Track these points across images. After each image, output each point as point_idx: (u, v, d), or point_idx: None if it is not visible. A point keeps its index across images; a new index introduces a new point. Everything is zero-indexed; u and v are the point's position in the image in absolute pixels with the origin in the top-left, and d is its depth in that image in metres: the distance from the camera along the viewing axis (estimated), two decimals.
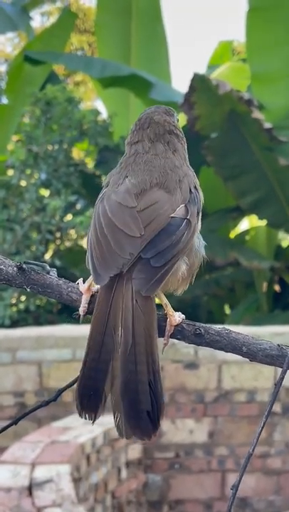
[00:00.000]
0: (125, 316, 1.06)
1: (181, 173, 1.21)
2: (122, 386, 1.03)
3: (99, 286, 1.11)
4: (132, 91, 7.51)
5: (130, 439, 1.05)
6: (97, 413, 1.05)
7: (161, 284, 1.08)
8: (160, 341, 1.10)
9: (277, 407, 4.66)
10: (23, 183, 6.93)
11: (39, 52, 7.75)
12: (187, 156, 1.29)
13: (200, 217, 1.22)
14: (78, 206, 7.59)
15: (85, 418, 1.06)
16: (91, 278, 1.12)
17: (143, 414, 1.03)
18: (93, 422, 1.06)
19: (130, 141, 1.29)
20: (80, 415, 1.06)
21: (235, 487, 0.89)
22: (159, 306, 1.14)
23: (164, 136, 1.27)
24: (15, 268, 1.10)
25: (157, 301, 1.14)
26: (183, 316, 1.13)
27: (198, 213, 1.20)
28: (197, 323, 1.11)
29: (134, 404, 1.03)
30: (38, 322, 6.76)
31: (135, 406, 1.03)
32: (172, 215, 1.13)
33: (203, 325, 1.10)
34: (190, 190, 1.20)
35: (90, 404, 1.05)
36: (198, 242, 1.19)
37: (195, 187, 1.22)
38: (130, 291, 1.07)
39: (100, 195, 1.21)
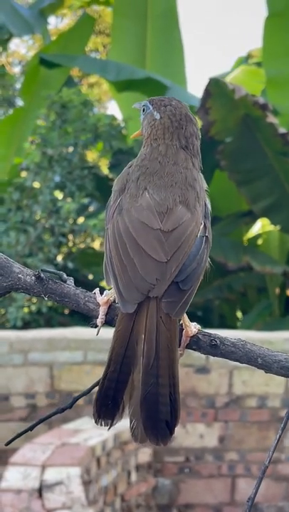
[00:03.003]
0: (149, 330, 1.07)
1: (198, 187, 1.19)
2: (142, 397, 1.06)
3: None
4: (147, 95, 7.52)
5: (144, 443, 1.08)
6: (114, 420, 1.08)
7: (188, 304, 1.09)
8: None
9: None
10: (37, 185, 6.96)
11: (54, 55, 7.77)
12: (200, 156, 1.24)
13: None
14: (91, 209, 7.61)
15: (101, 425, 1.08)
16: (111, 292, 1.13)
17: (162, 423, 1.06)
18: (109, 429, 1.09)
19: (152, 136, 1.22)
20: (96, 422, 1.09)
21: (251, 500, 0.89)
22: None
23: (191, 139, 1.22)
24: (33, 277, 1.11)
25: None
26: (199, 326, 1.14)
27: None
28: (213, 334, 1.12)
29: (154, 414, 1.06)
30: (50, 324, 6.78)
31: (154, 416, 1.06)
32: (199, 234, 1.14)
33: (219, 336, 1.11)
34: (205, 203, 1.19)
35: (107, 413, 1.08)
36: None
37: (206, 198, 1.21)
38: (155, 306, 1.08)
39: (116, 203, 1.17)
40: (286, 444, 4.69)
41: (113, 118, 7.23)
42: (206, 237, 1.15)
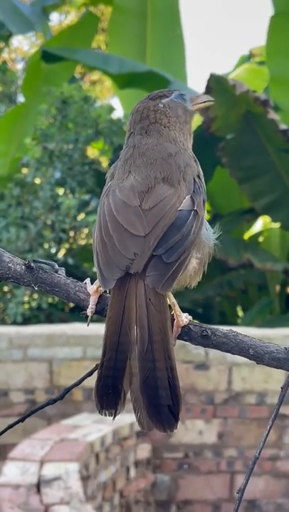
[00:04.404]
0: (140, 315, 1.06)
1: (181, 162, 1.19)
2: (141, 383, 1.05)
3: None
4: (149, 90, 7.49)
5: (152, 430, 1.07)
6: (117, 410, 1.07)
7: (176, 278, 1.08)
8: None
9: (288, 410, 4.65)
10: (37, 181, 6.96)
11: (56, 48, 7.73)
12: (184, 137, 1.25)
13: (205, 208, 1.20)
14: (92, 205, 7.61)
15: (105, 415, 1.07)
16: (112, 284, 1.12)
17: (164, 408, 1.05)
18: (114, 418, 1.08)
19: (127, 133, 1.28)
20: (100, 413, 1.08)
21: (241, 491, 0.89)
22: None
23: (143, 123, 1.25)
24: (23, 266, 1.10)
25: None
26: (190, 317, 1.13)
27: (203, 203, 1.18)
28: (204, 325, 1.11)
29: (155, 399, 1.05)
30: (50, 320, 6.79)
31: (156, 401, 1.05)
32: (179, 208, 1.12)
33: (210, 326, 1.10)
34: (194, 179, 1.18)
35: (109, 402, 1.07)
36: (206, 232, 1.18)
37: (198, 176, 1.20)
38: (143, 289, 1.07)
39: (106, 188, 1.20)
40: (285, 440, 4.69)
41: (111, 108, 7.22)
42: (195, 211, 1.13)
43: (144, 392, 1.04)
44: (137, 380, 1.05)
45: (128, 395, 1.07)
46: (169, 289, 1.07)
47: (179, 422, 1.07)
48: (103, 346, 1.08)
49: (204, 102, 1.33)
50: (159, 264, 1.07)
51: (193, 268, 1.14)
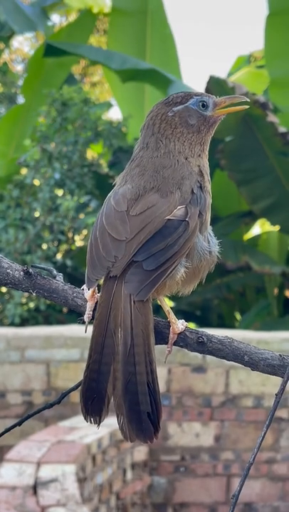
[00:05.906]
0: (124, 318, 1.07)
1: (177, 174, 1.18)
2: (122, 388, 1.04)
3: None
4: (152, 85, 7.49)
5: (134, 441, 1.05)
6: (101, 416, 1.06)
7: (154, 287, 1.07)
8: (163, 349, 1.11)
9: (284, 413, 4.66)
10: (36, 183, 6.97)
11: (59, 42, 7.73)
12: (190, 147, 1.23)
13: (207, 218, 1.19)
14: (91, 207, 7.62)
15: (90, 422, 1.06)
16: (95, 285, 1.13)
17: (144, 415, 1.03)
18: (98, 426, 1.07)
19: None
20: (86, 419, 1.07)
21: (236, 497, 0.89)
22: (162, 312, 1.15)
23: (147, 132, 1.23)
24: (21, 272, 1.11)
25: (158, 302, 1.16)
26: (186, 323, 1.13)
27: (200, 214, 1.16)
28: (200, 331, 1.12)
29: (135, 405, 1.03)
30: (48, 321, 6.79)
31: (136, 407, 1.03)
32: (168, 217, 1.12)
33: (206, 333, 1.11)
34: (192, 190, 1.17)
35: (94, 407, 1.06)
36: (203, 243, 1.17)
37: (200, 187, 1.19)
38: (128, 293, 1.08)
39: (108, 196, 1.21)
40: (282, 444, 4.69)
41: (109, 105, 7.23)
42: (187, 222, 1.12)
43: (126, 397, 1.04)
44: (119, 384, 1.05)
45: (112, 401, 1.06)
46: (145, 296, 1.07)
47: (159, 432, 1.05)
48: (89, 348, 1.08)
49: (228, 105, 1.28)
50: (139, 271, 1.07)
51: (182, 276, 1.13)
